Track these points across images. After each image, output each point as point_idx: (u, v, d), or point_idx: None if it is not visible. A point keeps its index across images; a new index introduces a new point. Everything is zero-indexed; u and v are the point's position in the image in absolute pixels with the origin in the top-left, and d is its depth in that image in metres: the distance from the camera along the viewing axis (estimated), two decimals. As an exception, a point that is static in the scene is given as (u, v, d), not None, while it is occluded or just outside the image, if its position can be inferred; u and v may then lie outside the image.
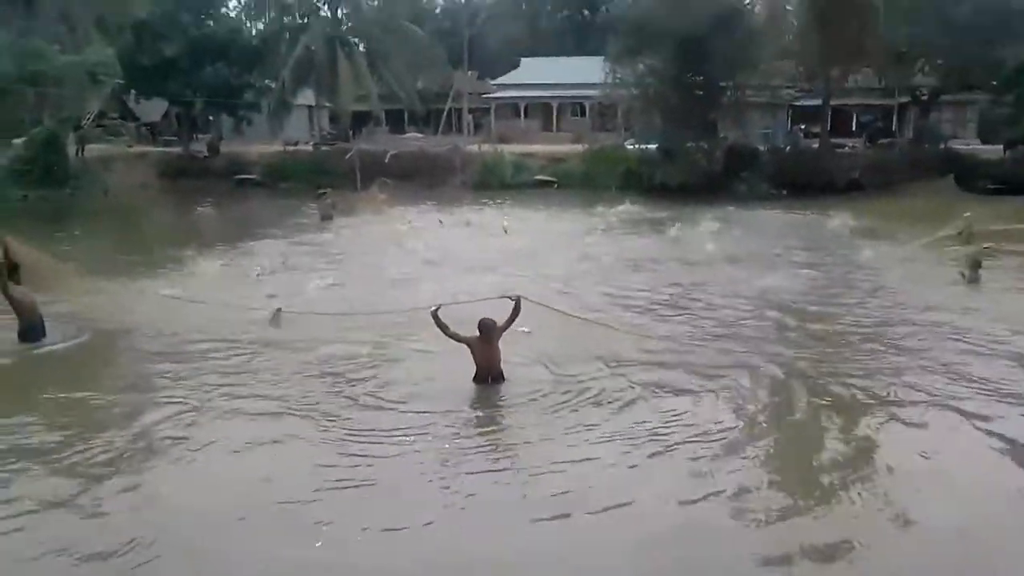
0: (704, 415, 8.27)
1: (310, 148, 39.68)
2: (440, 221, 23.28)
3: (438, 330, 8.78)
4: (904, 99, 38.56)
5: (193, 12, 38.29)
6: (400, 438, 7.76)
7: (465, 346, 8.83)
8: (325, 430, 8.02)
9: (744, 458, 7.32)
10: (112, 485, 6.90)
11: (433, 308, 8.82)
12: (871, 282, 14.61)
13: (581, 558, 5.81)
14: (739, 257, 17.30)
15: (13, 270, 10.65)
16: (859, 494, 6.63)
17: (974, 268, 13.84)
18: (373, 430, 8.00)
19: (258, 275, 15.62)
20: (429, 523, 6.26)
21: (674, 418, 8.20)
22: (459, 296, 11.20)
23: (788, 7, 33.73)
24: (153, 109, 45.71)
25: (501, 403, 8.75)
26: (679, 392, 8.96)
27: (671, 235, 20.75)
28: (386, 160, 33.93)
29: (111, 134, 39.13)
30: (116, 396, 9.10)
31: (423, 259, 17.24)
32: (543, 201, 29.42)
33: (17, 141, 30.17)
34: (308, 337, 10.83)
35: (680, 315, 12.67)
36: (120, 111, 44.45)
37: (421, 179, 32.83)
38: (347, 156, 35.05)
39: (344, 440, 7.78)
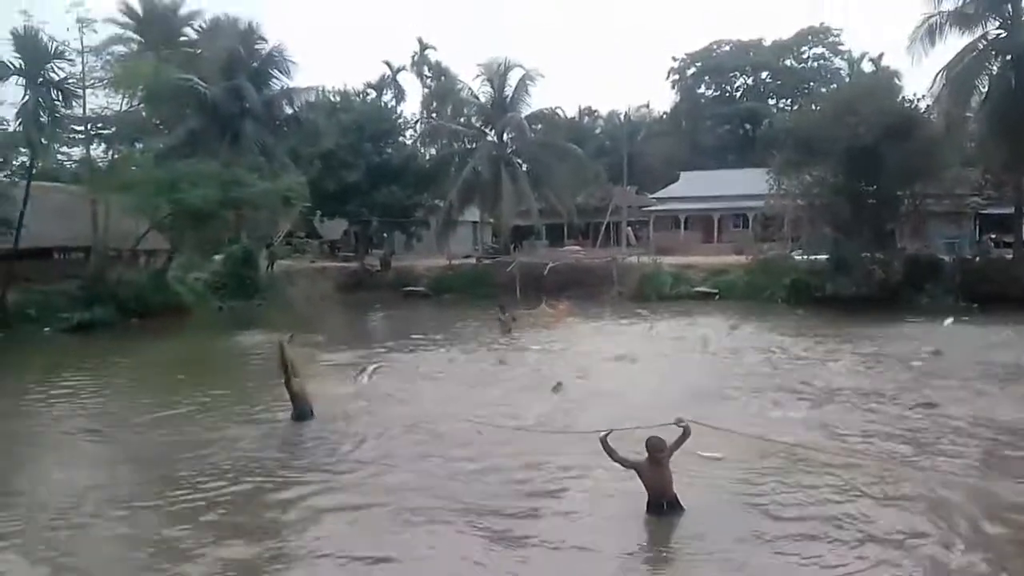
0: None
1: (473, 261, 41.38)
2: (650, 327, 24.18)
3: (608, 456, 8.46)
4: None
5: (374, 141, 42.01)
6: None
7: (634, 471, 8.37)
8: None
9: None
10: None
11: (603, 433, 8.52)
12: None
13: None
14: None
15: (286, 366, 12.75)
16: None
17: None
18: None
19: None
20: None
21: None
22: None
23: (968, 114, 31.90)
24: (334, 227, 49.82)
25: (674, 535, 8.06)
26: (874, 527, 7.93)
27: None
28: (544, 272, 34.62)
29: (298, 251, 42.89)
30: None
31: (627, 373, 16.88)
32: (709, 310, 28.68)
33: (217, 257, 33.67)
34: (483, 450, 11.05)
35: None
36: (307, 229, 48.83)
37: (578, 290, 33.08)
38: (508, 269, 36.17)
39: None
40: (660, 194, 51.32)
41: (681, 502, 8.31)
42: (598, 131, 69.57)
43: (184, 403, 14.39)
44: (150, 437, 12.20)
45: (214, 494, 9.45)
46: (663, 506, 8.25)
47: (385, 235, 48.29)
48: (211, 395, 15.06)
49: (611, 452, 8.41)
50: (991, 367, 16.22)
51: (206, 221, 29.22)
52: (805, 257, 31.79)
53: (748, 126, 64.61)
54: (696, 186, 49.43)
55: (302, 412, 12.72)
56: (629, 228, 46.03)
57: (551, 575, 7.32)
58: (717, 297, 32.39)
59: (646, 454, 8.24)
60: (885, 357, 17.93)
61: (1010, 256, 31.71)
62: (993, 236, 36.72)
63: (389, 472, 10.22)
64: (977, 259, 31.50)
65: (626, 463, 8.40)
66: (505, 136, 43.12)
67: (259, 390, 15.15)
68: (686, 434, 8.30)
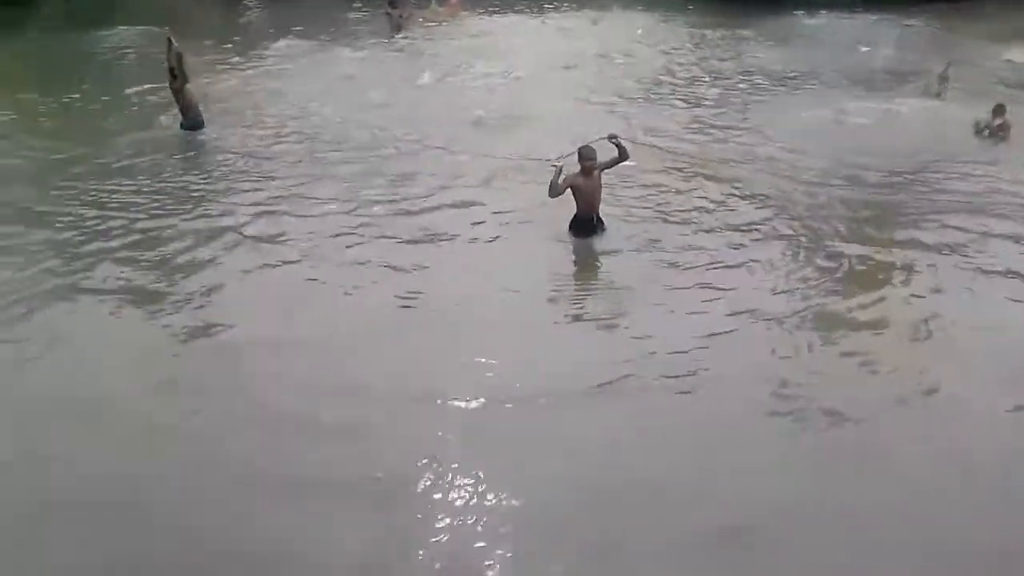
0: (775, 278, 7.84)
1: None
2: None
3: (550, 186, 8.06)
4: None
5: None
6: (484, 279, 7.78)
7: (569, 190, 8.17)
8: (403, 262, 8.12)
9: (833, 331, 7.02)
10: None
11: (556, 163, 8.04)
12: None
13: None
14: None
15: (173, 70, 11.64)
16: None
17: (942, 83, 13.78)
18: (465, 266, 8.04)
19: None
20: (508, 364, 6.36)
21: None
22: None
23: None
24: None
25: (598, 255, 8.33)
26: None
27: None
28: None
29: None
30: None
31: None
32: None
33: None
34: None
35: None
36: None
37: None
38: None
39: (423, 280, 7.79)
40: None
41: (604, 220, 8.49)
42: None
43: (50, 110, 13.28)
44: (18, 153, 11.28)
45: (120, 226, 8.95)
46: (591, 221, 8.35)
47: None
48: (79, 102, 13.88)
49: (554, 183, 8.00)
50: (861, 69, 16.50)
51: None
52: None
53: None
54: None
55: (195, 122, 12.06)
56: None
57: (460, 299, 7.41)
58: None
59: (579, 166, 8.14)
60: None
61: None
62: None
63: (305, 190, 9.94)
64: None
65: (561, 187, 8.08)
66: None
67: (136, 97, 13.96)
68: (622, 155, 8.11)
